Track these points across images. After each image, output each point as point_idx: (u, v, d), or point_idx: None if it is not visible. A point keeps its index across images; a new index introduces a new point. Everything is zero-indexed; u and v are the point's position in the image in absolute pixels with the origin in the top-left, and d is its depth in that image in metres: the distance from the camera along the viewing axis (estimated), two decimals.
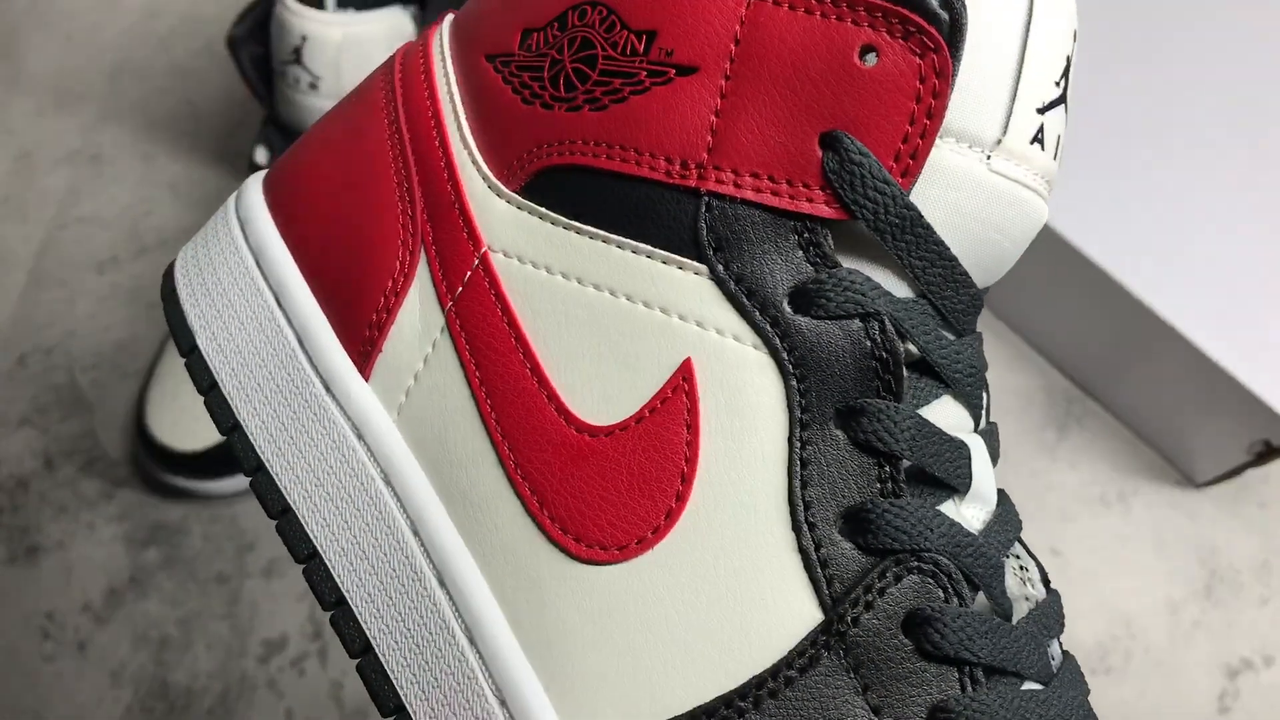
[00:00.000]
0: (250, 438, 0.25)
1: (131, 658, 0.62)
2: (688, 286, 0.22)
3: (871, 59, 0.21)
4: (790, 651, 0.21)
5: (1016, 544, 0.24)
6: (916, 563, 0.21)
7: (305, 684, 0.61)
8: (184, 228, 0.75)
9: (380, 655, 0.23)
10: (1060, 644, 0.24)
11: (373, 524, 0.23)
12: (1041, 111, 0.22)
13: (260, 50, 0.61)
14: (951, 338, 0.23)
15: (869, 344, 0.21)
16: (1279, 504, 0.63)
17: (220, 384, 0.25)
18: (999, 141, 0.22)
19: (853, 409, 0.21)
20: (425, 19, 0.61)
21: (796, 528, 0.21)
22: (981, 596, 0.22)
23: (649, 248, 0.22)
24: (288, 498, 0.24)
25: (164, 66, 0.81)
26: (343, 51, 0.58)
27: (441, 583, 0.23)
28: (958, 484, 0.22)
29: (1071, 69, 0.23)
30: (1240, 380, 0.56)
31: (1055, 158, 0.23)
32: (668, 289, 0.22)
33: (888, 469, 0.21)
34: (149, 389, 0.64)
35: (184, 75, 0.81)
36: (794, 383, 0.21)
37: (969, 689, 0.20)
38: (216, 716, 0.61)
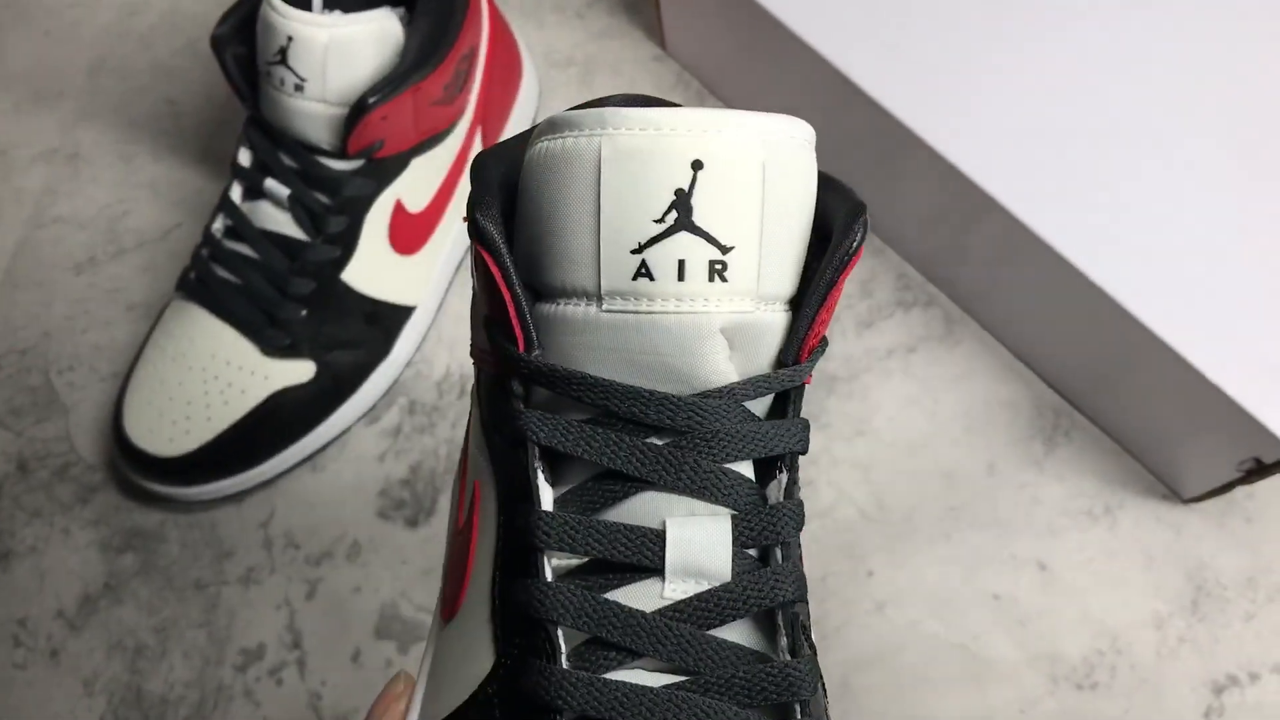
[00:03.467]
0: None
1: (105, 666, 0.61)
2: (476, 426, 0.31)
3: (478, 267, 0.28)
4: (478, 686, 0.27)
5: (778, 613, 0.27)
6: (542, 628, 0.26)
7: (283, 694, 0.61)
8: (163, 229, 0.74)
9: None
10: (822, 690, 0.28)
11: None
12: (639, 250, 0.26)
13: (244, 50, 0.61)
14: (658, 442, 0.27)
15: (523, 463, 0.27)
16: (1266, 519, 0.63)
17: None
18: (598, 288, 0.26)
19: (513, 508, 0.27)
20: (413, 22, 0.60)
21: (491, 600, 0.28)
22: (646, 664, 0.26)
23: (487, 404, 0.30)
24: None
25: (145, 65, 0.81)
26: (329, 53, 0.58)
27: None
28: (645, 564, 0.26)
29: (699, 195, 0.25)
30: (1230, 396, 0.55)
31: (681, 278, 0.26)
32: (475, 430, 0.31)
33: (533, 556, 0.27)
34: (126, 392, 0.64)
35: (165, 74, 0.80)
36: (500, 491, 0.28)
37: None
38: None
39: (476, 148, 0.69)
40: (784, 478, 0.28)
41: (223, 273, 0.63)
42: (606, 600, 0.26)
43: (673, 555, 0.26)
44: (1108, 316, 0.59)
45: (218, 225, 0.63)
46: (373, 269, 0.64)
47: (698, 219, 0.26)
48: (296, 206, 0.61)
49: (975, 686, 0.60)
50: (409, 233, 0.65)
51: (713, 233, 0.26)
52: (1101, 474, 0.65)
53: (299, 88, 0.58)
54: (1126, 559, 0.63)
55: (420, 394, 0.68)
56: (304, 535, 0.64)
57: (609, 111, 0.25)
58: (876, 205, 0.70)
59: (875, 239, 0.71)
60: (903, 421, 0.66)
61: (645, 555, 0.26)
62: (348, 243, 0.62)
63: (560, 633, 0.26)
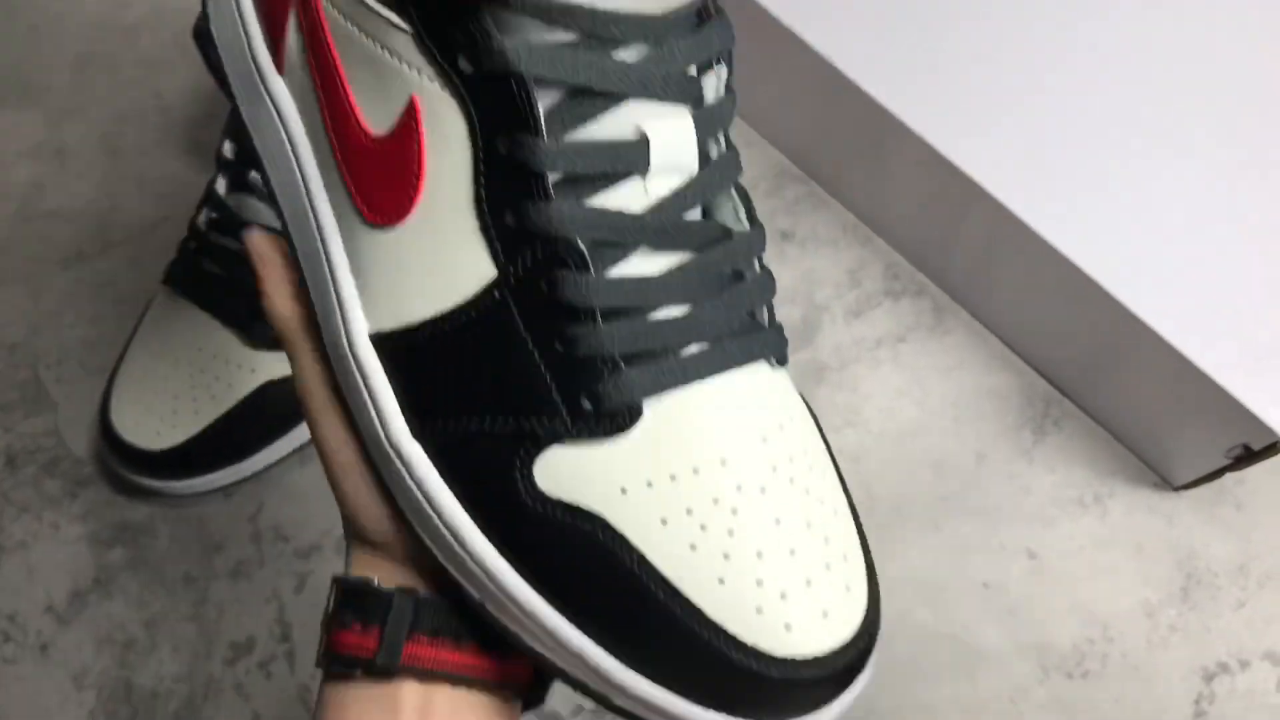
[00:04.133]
0: (234, 92, 0.36)
1: (95, 660, 0.61)
2: (404, 41, 0.30)
3: None
4: (478, 293, 0.30)
5: (730, 189, 0.32)
6: (554, 243, 0.28)
7: (273, 687, 0.61)
8: (150, 222, 0.73)
9: (298, 257, 0.34)
10: (759, 263, 0.32)
11: (285, 165, 0.34)
12: None
13: None
14: (632, 56, 0.29)
15: (514, 95, 0.28)
16: (1256, 507, 0.63)
17: (220, 57, 0.37)
18: None
19: (510, 140, 0.29)
20: None
21: (480, 216, 0.29)
22: (643, 252, 0.30)
23: (380, 7, 0.30)
24: (260, 149, 0.35)
25: (131, 59, 0.80)
26: None
27: (317, 226, 0.33)
28: (630, 169, 0.29)
29: None
30: (1220, 383, 0.55)
31: None
32: (397, 41, 0.30)
33: (535, 180, 0.28)
34: (114, 387, 0.63)
35: (151, 67, 0.80)
36: (474, 121, 0.29)
37: (584, 324, 0.29)
38: (183, 719, 0.60)
39: None
40: (723, 70, 0.31)
41: (209, 265, 0.62)
42: (607, 209, 0.29)
43: (656, 156, 0.29)
44: (1097, 305, 0.59)
45: (203, 218, 0.63)
46: None
47: None
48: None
49: (966, 676, 0.60)
50: None
51: None
52: (1091, 462, 0.65)
53: None
54: (1117, 547, 0.63)
55: None
56: (293, 528, 0.64)
57: None
58: (867, 195, 0.70)
59: (864, 228, 0.71)
60: (892, 411, 0.66)
61: (632, 161, 0.29)
62: None
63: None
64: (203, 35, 0.59)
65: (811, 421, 0.33)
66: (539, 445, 0.29)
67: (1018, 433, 0.66)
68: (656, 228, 0.30)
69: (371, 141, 0.31)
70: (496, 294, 0.29)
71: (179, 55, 0.80)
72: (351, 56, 0.31)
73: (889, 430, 0.66)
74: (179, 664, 0.61)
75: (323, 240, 0.33)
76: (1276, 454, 0.56)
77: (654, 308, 0.29)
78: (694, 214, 0.31)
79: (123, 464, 0.62)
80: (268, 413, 0.63)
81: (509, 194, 0.29)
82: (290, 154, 0.34)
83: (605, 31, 0.28)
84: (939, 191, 0.63)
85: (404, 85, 0.30)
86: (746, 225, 0.32)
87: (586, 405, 0.29)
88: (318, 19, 0.32)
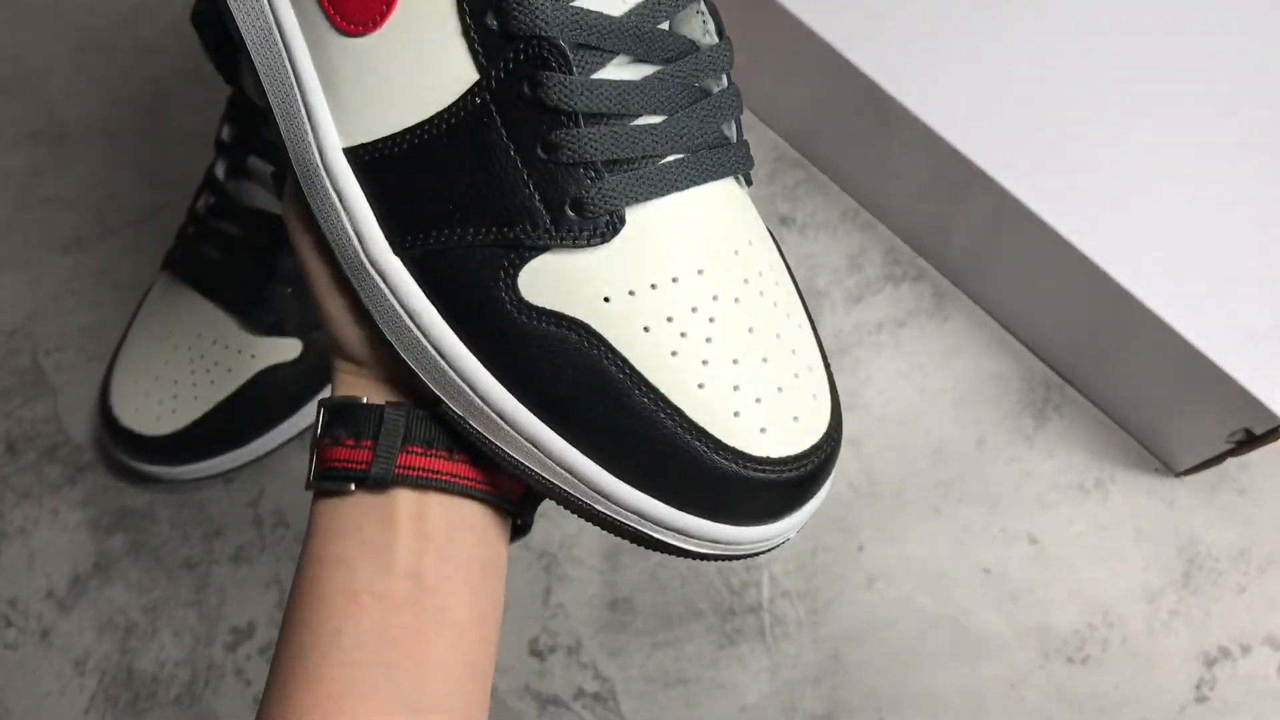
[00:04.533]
0: None
1: (96, 646, 0.61)
2: None
3: None
4: (460, 97, 0.29)
5: (701, 3, 0.32)
6: (537, 43, 0.28)
7: None
8: (150, 208, 0.73)
9: (264, 88, 0.33)
10: (728, 77, 0.32)
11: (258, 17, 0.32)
12: None
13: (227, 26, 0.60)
14: None
15: None
16: (1258, 492, 0.63)
17: None
18: None
19: None
20: None
21: (461, 16, 0.29)
22: (619, 60, 0.30)
23: None
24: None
25: (129, 44, 0.80)
26: None
27: (280, 32, 0.32)
28: None
29: None
30: (1221, 367, 0.55)
31: None
32: None
33: None
34: (114, 372, 0.63)
35: (150, 53, 0.80)
36: None
37: (567, 128, 0.29)
38: (183, 705, 0.60)
39: None
40: None
41: (208, 250, 0.62)
42: (589, 10, 0.29)
43: None
44: (1098, 289, 0.58)
45: (202, 203, 0.63)
46: None
47: None
48: (280, 182, 0.61)
49: (966, 661, 0.60)
50: None
51: None
52: (1092, 447, 0.65)
53: None
54: (1118, 532, 0.63)
55: None
56: (294, 513, 0.64)
57: None
58: (866, 179, 0.70)
59: (864, 213, 0.71)
60: (892, 396, 0.66)
61: None
62: None
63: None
64: (200, 20, 0.59)
65: (771, 240, 0.33)
66: (523, 254, 0.29)
67: (1018, 418, 0.65)
68: (634, 34, 0.30)
69: None
70: (478, 98, 0.29)
71: (177, 41, 0.80)
72: None
73: (889, 415, 0.65)
74: (180, 649, 0.61)
75: (289, 54, 0.32)
76: (1278, 438, 0.56)
77: (634, 115, 0.30)
78: (665, 25, 0.31)
79: (123, 449, 0.63)
80: (268, 398, 0.63)
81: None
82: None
83: None
84: (939, 175, 0.63)
85: None
86: (715, 39, 0.32)
87: (570, 213, 0.29)
88: None
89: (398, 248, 0.31)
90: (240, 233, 0.62)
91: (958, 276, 0.69)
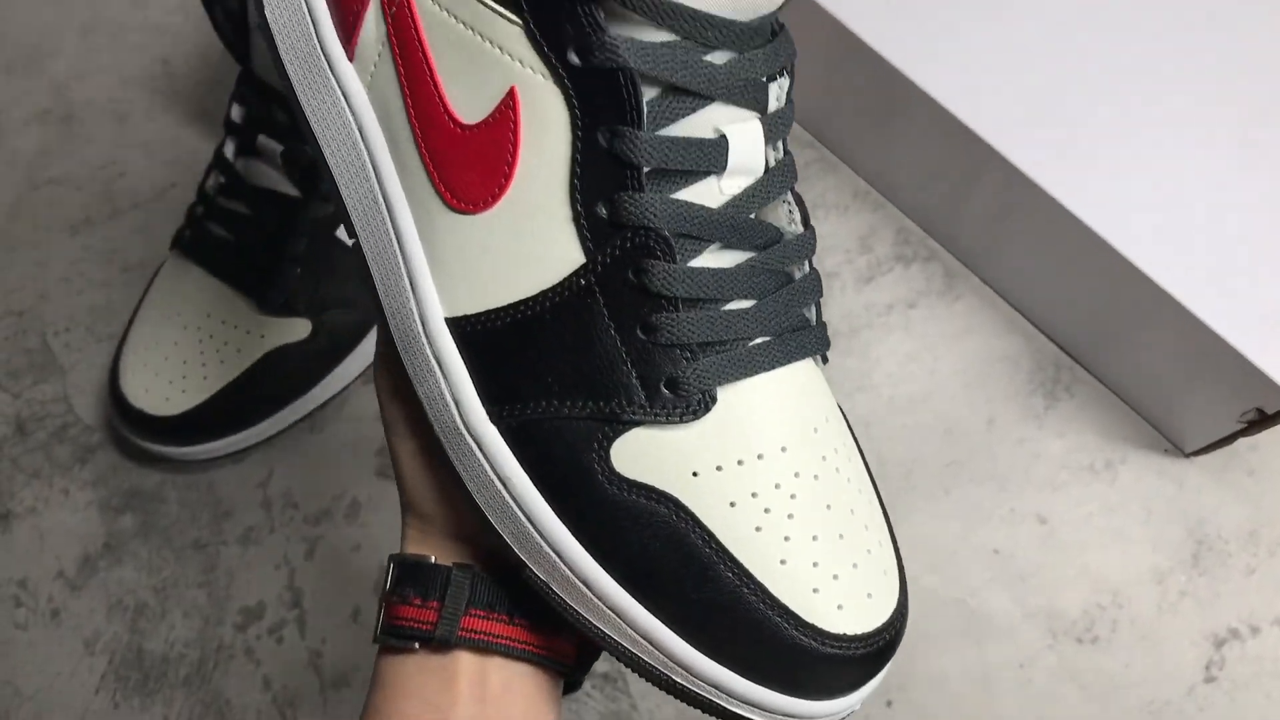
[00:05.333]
0: (295, 90, 0.36)
1: (106, 626, 0.62)
2: (512, 34, 0.30)
3: None
4: (565, 278, 0.31)
5: (787, 194, 0.33)
6: (644, 233, 0.30)
7: (283, 652, 0.61)
8: (158, 189, 0.73)
9: (364, 250, 0.35)
10: (810, 264, 0.34)
11: (354, 161, 0.34)
12: None
13: (235, 4, 0.60)
14: (720, 60, 0.31)
15: (621, 89, 0.29)
16: (1268, 473, 0.63)
17: (277, 46, 0.36)
18: None
19: (610, 131, 0.30)
20: None
21: (573, 205, 0.31)
22: (714, 248, 0.31)
23: (494, 3, 0.31)
24: (315, 132, 0.35)
25: (137, 24, 0.80)
26: None
27: (386, 204, 0.34)
28: (710, 168, 0.31)
29: None
30: (1233, 345, 0.55)
31: None
32: (502, 33, 0.31)
33: (630, 172, 0.30)
34: (123, 353, 0.63)
35: (158, 32, 0.79)
36: (575, 111, 0.30)
37: (667, 312, 0.30)
38: (193, 685, 0.60)
39: None
40: (785, 81, 0.33)
41: (217, 230, 0.62)
42: (691, 203, 0.31)
43: (733, 158, 0.31)
44: (1109, 268, 0.58)
45: (211, 183, 0.63)
46: None
47: None
48: (289, 163, 0.60)
49: (974, 642, 0.60)
50: None
51: None
52: (1102, 428, 0.64)
53: None
54: (1127, 513, 0.62)
55: None
56: (303, 495, 0.64)
57: None
58: (877, 159, 0.70)
59: (875, 193, 0.71)
60: (903, 377, 0.66)
61: (713, 160, 0.31)
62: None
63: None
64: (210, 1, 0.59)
65: (841, 414, 0.35)
66: (617, 428, 0.31)
67: (1028, 398, 0.65)
68: (729, 224, 0.31)
69: (461, 129, 0.32)
70: (583, 280, 0.31)
71: (185, 20, 0.80)
72: (444, 46, 0.32)
73: (899, 396, 0.65)
74: (189, 629, 0.61)
75: (394, 225, 0.34)
76: None
77: (726, 300, 0.31)
78: (756, 214, 0.33)
79: (132, 430, 0.63)
80: (277, 378, 0.63)
81: (604, 184, 0.30)
82: (359, 140, 0.34)
83: (701, 35, 0.30)
84: (950, 155, 0.63)
85: (504, 75, 0.31)
86: (800, 228, 0.34)
87: (665, 391, 0.30)
88: (408, 10, 0.33)
89: (494, 416, 0.32)
90: (250, 212, 0.62)
91: (968, 257, 0.68)
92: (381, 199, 0.34)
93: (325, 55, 0.35)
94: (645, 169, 0.30)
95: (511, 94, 0.31)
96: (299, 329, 0.63)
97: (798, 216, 0.34)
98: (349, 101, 0.35)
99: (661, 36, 0.30)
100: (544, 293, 0.31)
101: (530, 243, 0.31)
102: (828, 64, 0.66)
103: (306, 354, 0.63)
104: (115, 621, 0.62)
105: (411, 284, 0.33)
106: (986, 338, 0.67)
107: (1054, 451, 0.64)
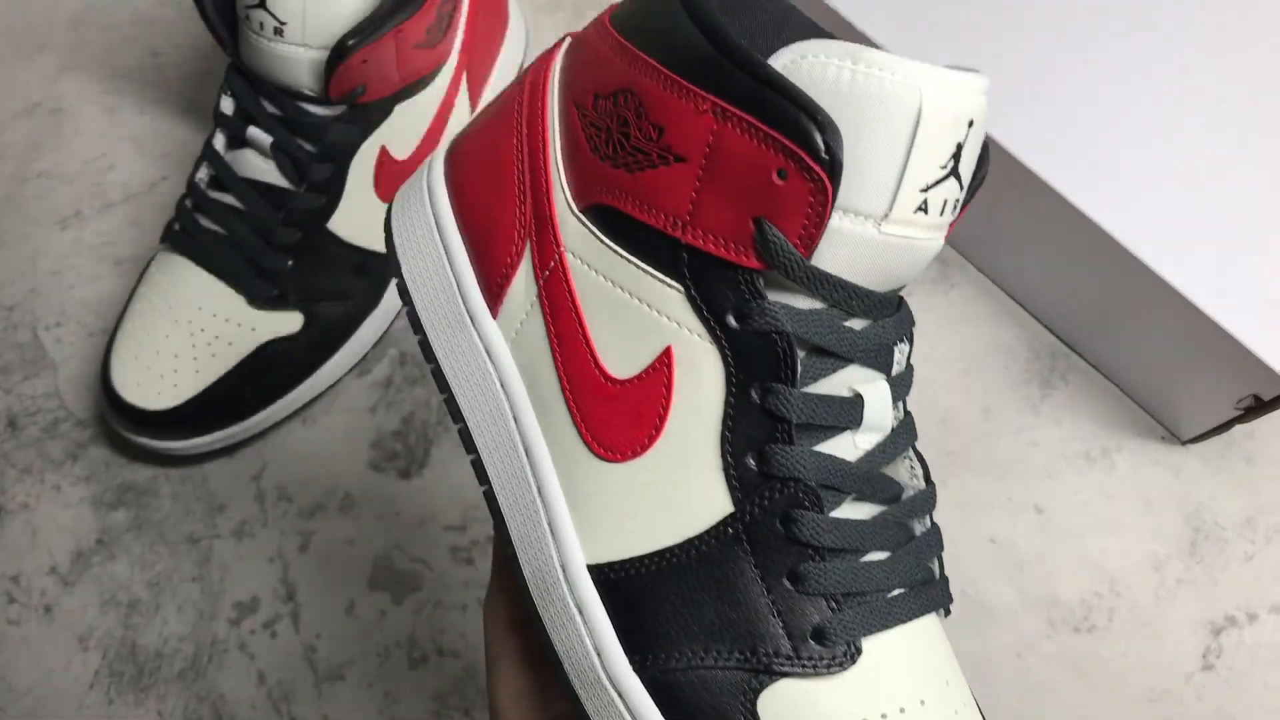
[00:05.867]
0: (431, 343, 0.38)
1: (100, 621, 0.61)
2: (671, 298, 0.33)
3: (783, 177, 0.30)
4: (712, 526, 0.32)
5: (909, 450, 0.35)
6: (793, 484, 0.31)
7: (278, 646, 0.60)
8: (149, 181, 0.73)
9: (497, 497, 0.36)
10: (930, 519, 0.34)
11: (493, 410, 0.36)
12: (926, 189, 0.31)
13: None
14: (858, 326, 0.33)
15: (778, 349, 0.31)
16: (1265, 460, 0.63)
17: (415, 305, 0.38)
18: (886, 215, 0.31)
19: (764, 388, 0.32)
20: None
21: (723, 456, 0.32)
22: (850, 500, 0.32)
23: (650, 268, 0.33)
24: (451, 387, 0.37)
25: (127, 16, 0.79)
26: None
27: (529, 460, 0.35)
28: (847, 425, 0.32)
29: (966, 149, 0.31)
30: (1231, 332, 0.55)
31: (941, 214, 0.32)
32: (659, 297, 0.33)
33: (781, 426, 0.31)
34: (114, 347, 0.63)
35: (148, 25, 0.79)
36: (730, 369, 0.32)
37: (815, 561, 0.31)
38: (187, 679, 0.60)
39: (462, 94, 0.68)
40: (906, 347, 0.35)
41: (207, 223, 0.62)
42: (834, 456, 0.32)
43: (867, 415, 0.32)
44: (1106, 255, 0.58)
45: (201, 175, 0.62)
46: (359, 218, 0.63)
47: (961, 167, 0.31)
48: (280, 154, 0.60)
49: (973, 630, 0.60)
50: (395, 181, 0.64)
51: (963, 178, 0.31)
52: (1099, 416, 0.64)
53: (279, 31, 0.57)
54: (1124, 501, 0.62)
55: (410, 345, 0.68)
56: (296, 488, 0.64)
57: (924, 67, 0.30)
58: None
59: None
60: None
61: (851, 417, 0.32)
62: (333, 191, 0.61)
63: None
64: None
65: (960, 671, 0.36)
66: (763, 679, 0.31)
67: (1025, 387, 0.65)
68: (864, 477, 0.32)
69: (612, 383, 0.34)
70: (730, 528, 0.31)
71: (175, 12, 0.79)
72: (598, 308, 0.34)
73: None
74: (183, 624, 0.61)
75: (534, 472, 0.35)
76: None
77: (866, 551, 0.32)
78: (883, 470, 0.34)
79: (124, 424, 0.62)
80: (269, 371, 0.63)
81: (754, 436, 0.32)
82: (499, 391, 0.36)
83: (846, 303, 0.32)
84: None
85: (660, 335, 0.33)
86: (922, 483, 0.35)
87: (812, 641, 0.31)
88: (562, 275, 0.35)
89: (637, 666, 0.32)
90: (240, 205, 0.61)
91: (964, 246, 0.68)
92: (521, 447, 0.35)
93: (469, 312, 0.37)
94: (795, 422, 0.31)
95: (667, 352, 0.33)
96: (291, 322, 0.63)
97: (919, 472, 0.35)
98: (490, 354, 0.37)
99: (812, 304, 0.32)
100: (690, 540, 0.32)
101: (677, 491, 0.32)
102: None
103: (299, 347, 0.63)
104: (109, 617, 0.61)
105: (552, 529, 0.34)
106: (982, 326, 0.67)
107: (1051, 440, 0.64)
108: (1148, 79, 0.61)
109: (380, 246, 0.65)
